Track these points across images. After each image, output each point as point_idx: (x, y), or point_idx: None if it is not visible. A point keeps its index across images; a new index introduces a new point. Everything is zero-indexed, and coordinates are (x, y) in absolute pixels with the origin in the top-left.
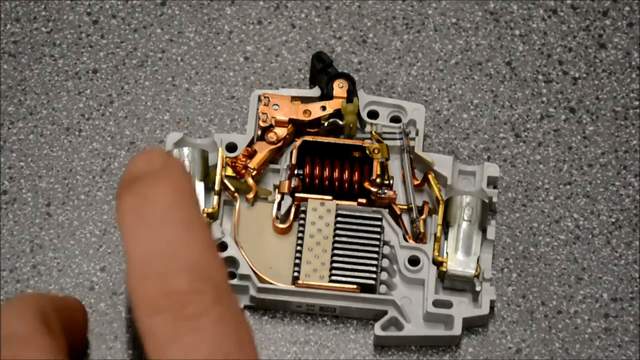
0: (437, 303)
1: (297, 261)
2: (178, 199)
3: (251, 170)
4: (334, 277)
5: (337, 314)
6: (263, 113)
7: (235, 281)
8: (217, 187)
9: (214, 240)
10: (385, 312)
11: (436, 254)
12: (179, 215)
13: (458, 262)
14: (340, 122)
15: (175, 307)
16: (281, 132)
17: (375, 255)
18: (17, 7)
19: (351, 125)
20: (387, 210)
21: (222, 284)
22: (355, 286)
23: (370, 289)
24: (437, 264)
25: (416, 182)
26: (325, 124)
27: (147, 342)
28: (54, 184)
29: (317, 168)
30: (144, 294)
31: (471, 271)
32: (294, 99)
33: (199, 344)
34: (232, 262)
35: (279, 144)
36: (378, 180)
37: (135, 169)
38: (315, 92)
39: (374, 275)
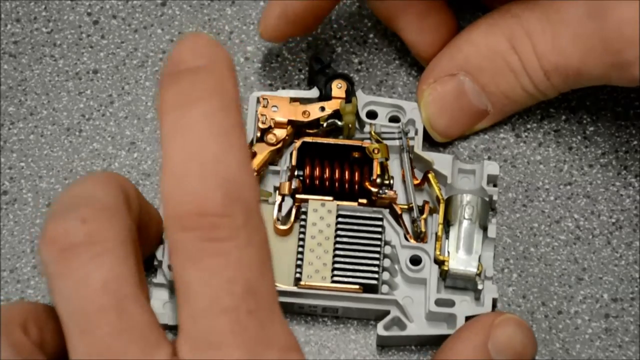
0: (439, 302)
1: (299, 262)
2: (220, 103)
3: None
4: (336, 278)
5: (339, 315)
6: (262, 115)
7: None
8: None
9: (249, 154)
10: (387, 312)
11: (437, 253)
12: (220, 123)
13: (459, 261)
14: (339, 123)
15: (204, 228)
16: (280, 133)
17: (376, 256)
18: (18, 7)
19: (350, 125)
20: (387, 210)
21: (252, 205)
22: (357, 286)
23: (372, 289)
24: (439, 263)
25: (416, 182)
26: (324, 124)
27: (172, 256)
28: (54, 184)
29: (318, 169)
30: (176, 208)
31: (473, 269)
32: (292, 100)
33: (222, 268)
34: None
35: (278, 146)
36: (378, 180)
37: (179, 57)
38: (314, 93)
39: (375, 276)
